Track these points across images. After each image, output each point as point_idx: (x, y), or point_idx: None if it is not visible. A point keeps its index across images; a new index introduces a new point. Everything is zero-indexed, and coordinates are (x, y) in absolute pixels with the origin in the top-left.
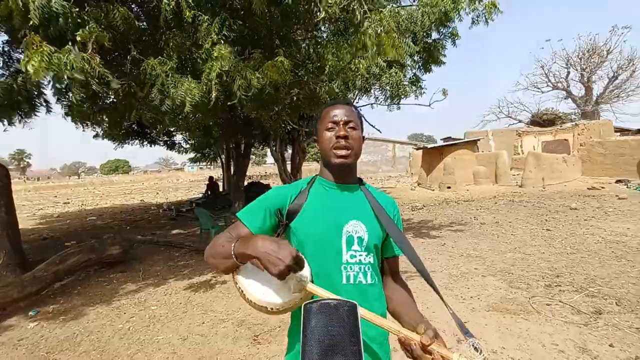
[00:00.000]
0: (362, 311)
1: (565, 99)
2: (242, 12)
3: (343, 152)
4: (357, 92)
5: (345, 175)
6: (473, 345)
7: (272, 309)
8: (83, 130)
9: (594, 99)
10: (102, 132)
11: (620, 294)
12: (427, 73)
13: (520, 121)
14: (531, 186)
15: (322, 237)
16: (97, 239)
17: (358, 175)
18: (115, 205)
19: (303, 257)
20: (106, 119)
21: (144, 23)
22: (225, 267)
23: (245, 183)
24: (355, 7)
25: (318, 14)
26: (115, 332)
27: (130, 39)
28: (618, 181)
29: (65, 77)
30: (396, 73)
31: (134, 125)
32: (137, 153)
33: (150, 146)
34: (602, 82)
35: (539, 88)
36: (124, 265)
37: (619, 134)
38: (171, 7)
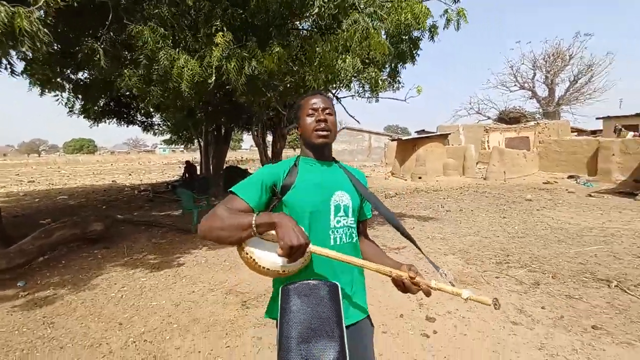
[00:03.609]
0: (360, 261)
1: (530, 98)
2: (242, 2)
3: (324, 133)
4: (339, 85)
5: (324, 153)
6: (444, 274)
7: (284, 271)
8: (59, 102)
9: (555, 100)
10: (78, 108)
11: (557, 269)
12: (404, 67)
13: (488, 117)
14: (494, 179)
15: (314, 208)
16: (75, 216)
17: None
18: (85, 185)
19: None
20: (79, 94)
21: None
22: (238, 237)
23: (224, 167)
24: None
25: (311, 9)
26: (109, 300)
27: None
28: (570, 177)
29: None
30: (374, 71)
31: (111, 104)
32: (104, 133)
33: (127, 126)
34: (564, 84)
35: (507, 87)
36: (106, 242)
37: (575, 133)
38: None
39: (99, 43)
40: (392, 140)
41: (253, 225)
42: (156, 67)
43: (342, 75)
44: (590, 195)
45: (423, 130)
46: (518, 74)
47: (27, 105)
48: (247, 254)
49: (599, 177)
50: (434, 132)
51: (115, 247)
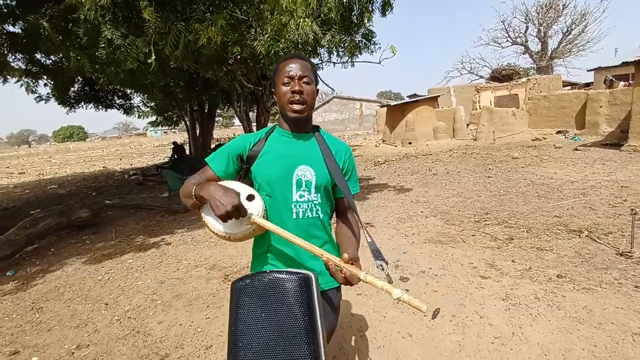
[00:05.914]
0: (293, 238)
1: (523, 54)
2: None
3: (298, 107)
4: (301, 49)
5: (300, 126)
6: (380, 267)
7: (229, 237)
8: (29, 92)
9: (548, 54)
10: (50, 94)
11: (532, 224)
12: (384, 16)
13: (481, 77)
14: (484, 139)
15: (274, 180)
16: (62, 204)
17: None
18: (76, 173)
19: (254, 196)
20: (48, 79)
21: None
22: (190, 204)
23: (213, 145)
24: None
25: None
26: (96, 283)
27: None
28: (558, 132)
29: None
30: (332, 36)
31: (86, 88)
32: (92, 118)
33: (106, 110)
34: (557, 37)
35: (499, 43)
36: (95, 227)
37: (569, 87)
38: None
39: (43, 18)
40: (382, 106)
41: (193, 196)
42: (115, 51)
43: (303, 39)
44: (576, 149)
45: (415, 95)
46: (510, 28)
47: (13, 96)
48: (202, 218)
49: (587, 130)
50: (424, 96)
51: (103, 231)
